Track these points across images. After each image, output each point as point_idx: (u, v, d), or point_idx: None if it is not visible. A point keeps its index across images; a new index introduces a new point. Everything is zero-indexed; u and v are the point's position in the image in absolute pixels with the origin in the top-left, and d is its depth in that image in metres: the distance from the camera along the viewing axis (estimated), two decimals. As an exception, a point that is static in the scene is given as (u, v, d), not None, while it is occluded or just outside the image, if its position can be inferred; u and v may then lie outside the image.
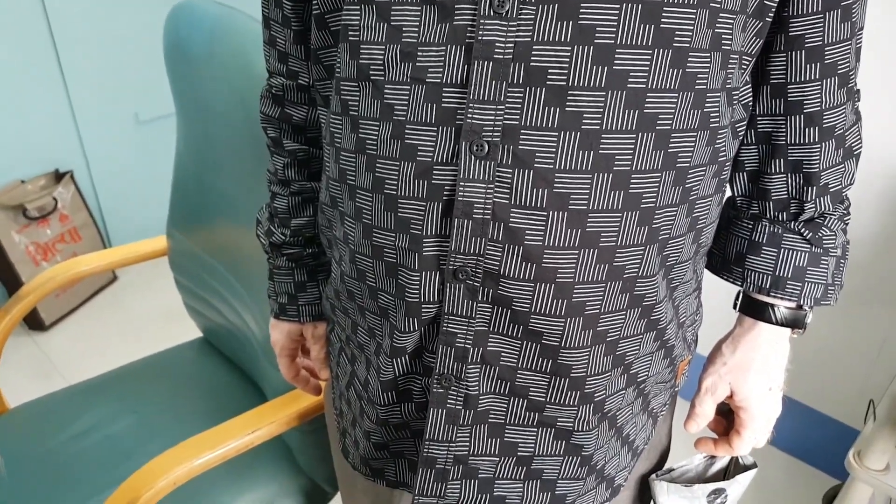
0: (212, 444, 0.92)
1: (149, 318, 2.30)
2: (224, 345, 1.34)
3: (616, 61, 0.49)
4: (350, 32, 0.56)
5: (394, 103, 0.54)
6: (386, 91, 0.54)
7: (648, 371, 0.65)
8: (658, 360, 0.65)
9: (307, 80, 0.72)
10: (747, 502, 1.70)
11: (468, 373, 0.59)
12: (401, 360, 0.62)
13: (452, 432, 0.62)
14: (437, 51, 0.51)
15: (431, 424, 0.61)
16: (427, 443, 0.62)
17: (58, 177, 2.33)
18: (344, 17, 0.56)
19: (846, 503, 1.30)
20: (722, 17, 0.51)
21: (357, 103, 0.57)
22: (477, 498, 0.66)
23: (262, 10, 0.72)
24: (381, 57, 0.54)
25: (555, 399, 0.60)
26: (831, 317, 1.65)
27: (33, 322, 2.24)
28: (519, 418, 0.62)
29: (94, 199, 2.49)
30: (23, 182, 2.24)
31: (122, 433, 1.17)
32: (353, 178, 0.59)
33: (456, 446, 0.62)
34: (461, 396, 0.60)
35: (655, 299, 0.59)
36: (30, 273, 2.20)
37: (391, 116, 0.54)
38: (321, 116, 0.66)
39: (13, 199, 2.19)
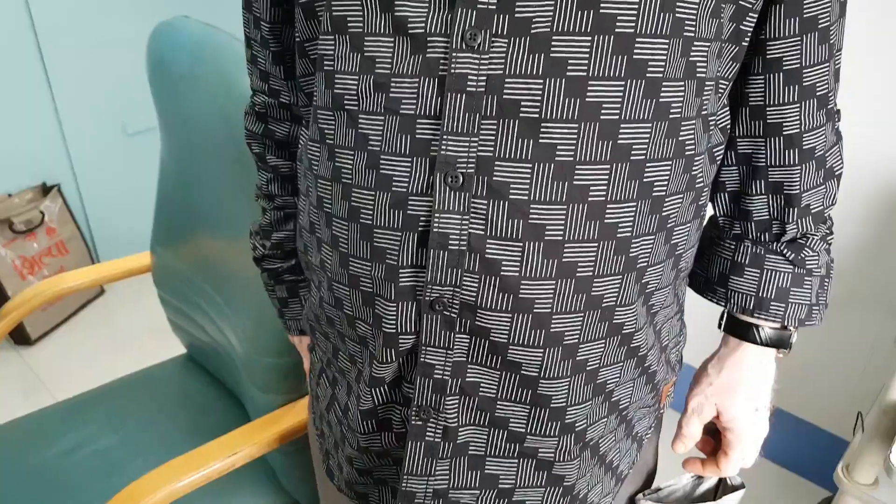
0: (193, 467, 0.91)
1: (135, 333, 2.29)
2: (208, 362, 1.33)
3: (589, 93, 0.49)
4: (325, 62, 0.56)
5: (368, 133, 0.54)
6: (360, 121, 0.54)
7: (630, 398, 0.64)
8: (640, 386, 0.65)
9: (288, 98, 0.72)
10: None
11: (447, 404, 0.58)
12: (380, 389, 0.61)
13: (431, 466, 0.61)
14: (410, 82, 0.51)
15: (410, 458, 0.61)
16: (406, 476, 0.61)
17: (45, 190, 2.32)
18: (320, 47, 0.56)
19: (836, 517, 1.29)
20: (696, 46, 0.51)
21: (333, 132, 0.56)
22: None
23: (244, 30, 0.72)
24: (355, 87, 0.54)
25: (535, 430, 0.59)
26: (819, 327, 1.64)
27: (19, 337, 2.22)
28: (499, 450, 0.61)
29: (82, 212, 2.47)
30: (10, 196, 2.23)
31: (107, 451, 1.17)
32: (330, 206, 0.58)
33: (435, 480, 0.62)
34: (440, 429, 0.59)
35: (635, 327, 0.59)
36: (16, 287, 2.18)
37: (366, 146, 0.54)
38: (300, 141, 0.66)
39: (0, 212, 2.17)
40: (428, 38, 0.50)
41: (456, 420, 0.59)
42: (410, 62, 0.51)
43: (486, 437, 0.60)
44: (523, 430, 0.59)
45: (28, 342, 2.23)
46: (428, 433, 0.59)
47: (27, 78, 2.18)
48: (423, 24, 0.50)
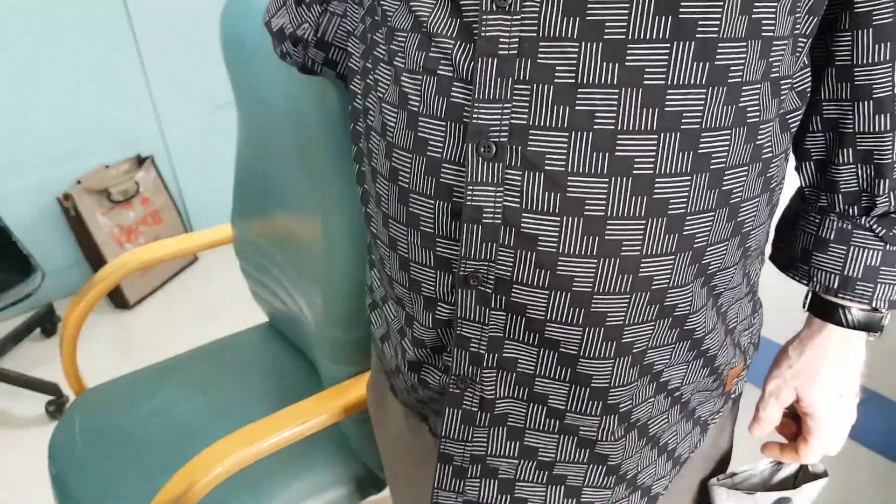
0: (264, 434, 0.93)
1: (224, 301, 2.38)
2: (288, 330, 1.37)
3: (629, 57, 0.46)
4: (387, 16, 0.55)
5: (409, 92, 0.53)
6: (403, 79, 0.53)
7: (683, 380, 0.61)
8: (696, 370, 0.62)
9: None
10: (836, 502, 1.62)
11: (484, 376, 0.57)
12: (422, 350, 0.61)
13: (468, 432, 0.60)
14: (447, 44, 0.50)
15: (447, 422, 0.60)
16: (443, 440, 0.61)
17: (139, 161, 2.43)
18: (384, 1, 0.56)
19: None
20: (758, 2, 0.46)
21: (386, 87, 0.56)
22: (498, 498, 0.64)
23: None
24: (404, 44, 0.53)
25: (576, 408, 0.58)
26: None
27: (119, 301, 2.35)
28: (539, 424, 0.60)
29: (175, 182, 2.58)
30: (107, 167, 2.35)
31: (189, 414, 1.22)
32: (376, 162, 0.58)
33: (472, 445, 0.61)
34: (476, 399, 0.58)
35: (690, 308, 0.55)
36: (115, 254, 2.31)
37: (406, 105, 0.53)
38: (355, 85, 0.64)
39: (98, 183, 2.29)
40: (461, 1, 0.48)
41: (493, 392, 0.58)
42: (449, 24, 0.49)
43: (524, 410, 0.59)
44: (563, 408, 0.58)
45: (127, 306, 2.36)
46: (465, 402, 0.59)
47: (121, 55, 2.28)
48: None
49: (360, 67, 0.61)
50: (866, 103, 0.56)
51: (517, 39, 0.47)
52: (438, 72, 0.50)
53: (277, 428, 0.94)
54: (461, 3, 0.48)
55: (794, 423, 0.71)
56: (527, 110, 0.48)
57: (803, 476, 0.73)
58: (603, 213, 0.49)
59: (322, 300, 1.01)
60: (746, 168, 0.51)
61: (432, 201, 0.53)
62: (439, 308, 0.56)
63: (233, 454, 0.90)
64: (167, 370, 1.35)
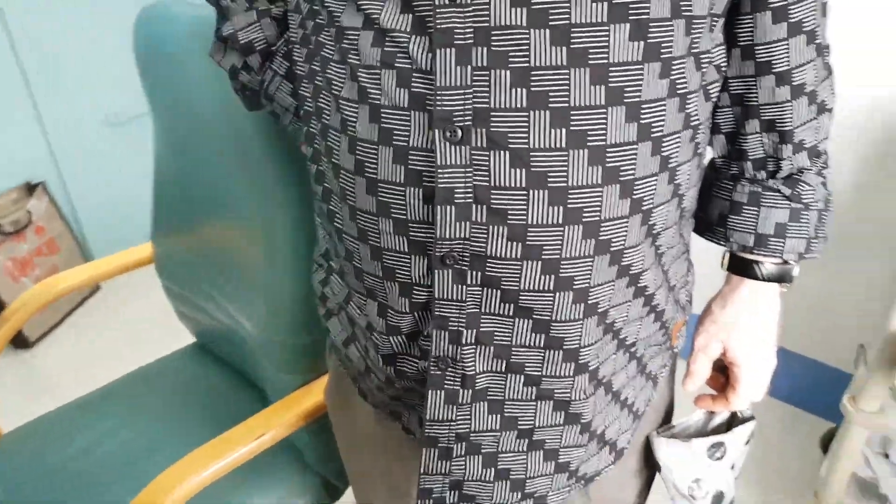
0: (218, 454, 0.91)
1: (136, 327, 2.28)
2: (220, 348, 1.33)
3: (573, 40, 0.50)
4: (334, 18, 0.57)
5: (367, 86, 0.54)
6: (360, 74, 0.55)
7: (638, 334, 0.66)
8: (648, 324, 0.66)
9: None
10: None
11: (464, 354, 0.59)
12: (397, 339, 0.62)
13: (452, 412, 0.62)
14: (403, 37, 0.52)
15: (431, 405, 0.62)
16: (428, 423, 0.63)
17: (30, 189, 2.28)
18: (328, 3, 0.57)
19: (843, 446, 1.33)
20: None
21: (341, 85, 0.57)
22: (482, 472, 0.66)
23: None
24: (357, 41, 0.55)
25: (551, 372, 0.61)
26: (819, 265, 1.66)
27: (17, 340, 2.20)
28: (518, 393, 0.62)
29: (70, 208, 2.44)
30: (-7, 198, 2.20)
31: (123, 448, 1.16)
32: (338, 158, 0.59)
33: (457, 425, 0.63)
34: (458, 377, 0.60)
35: (643, 267, 0.60)
36: (10, 289, 2.16)
37: (367, 99, 0.55)
38: (304, 89, 0.65)
39: (-15, 216, 2.14)
40: None
41: (473, 368, 0.60)
42: (401, 20, 0.52)
43: (503, 382, 0.62)
44: (539, 373, 0.61)
45: (27, 345, 2.22)
46: (447, 382, 0.61)
47: (2, 78, 2.13)
48: None
49: (307, 71, 0.62)
50: (768, 77, 0.62)
51: (471, 30, 0.50)
52: (396, 65, 0.53)
53: (230, 448, 0.92)
54: (413, 0, 0.51)
55: (722, 376, 0.77)
56: (487, 94, 0.51)
57: (734, 422, 0.80)
58: (565, 184, 0.52)
59: (266, 307, 1.00)
60: (680, 135, 0.57)
61: (402, 188, 0.55)
62: (415, 292, 0.58)
63: (189, 478, 0.87)
64: (91, 405, 1.27)
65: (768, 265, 0.68)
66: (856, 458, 1.35)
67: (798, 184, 0.66)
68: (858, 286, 1.67)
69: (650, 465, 0.79)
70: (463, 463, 0.65)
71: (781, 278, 0.69)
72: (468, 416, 0.63)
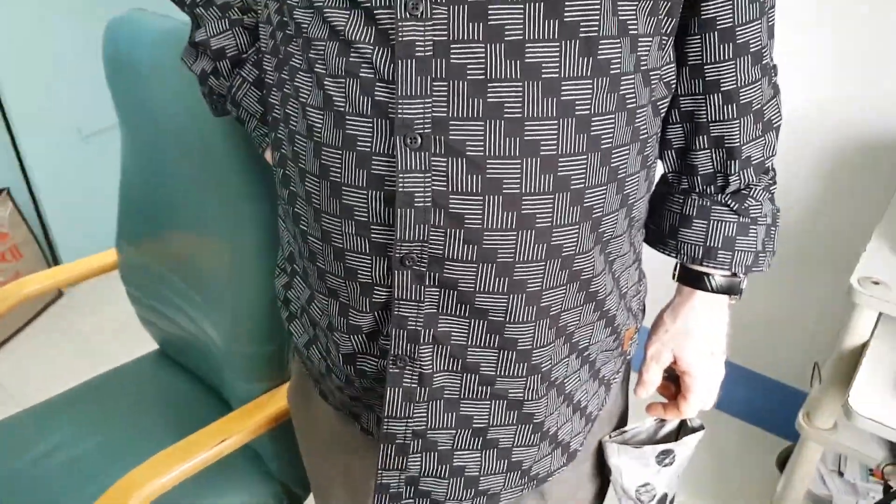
0: (181, 458, 0.91)
1: (100, 334, 2.25)
2: (183, 356, 1.32)
3: (527, 55, 0.52)
4: (302, 29, 0.59)
5: (333, 95, 0.57)
6: (326, 83, 0.57)
7: (590, 339, 0.68)
8: (600, 329, 0.69)
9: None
10: (703, 469, 1.76)
11: (421, 353, 0.61)
12: (358, 338, 0.64)
13: (409, 409, 0.64)
14: (366, 49, 0.54)
15: (389, 402, 0.63)
16: (386, 420, 0.64)
17: (-7, 194, 2.25)
18: (297, 16, 0.59)
19: (798, 463, 1.35)
20: (622, 5, 0.54)
21: (307, 93, 0.59)
22: (437, 469, 0.68)
23: None
24: (323, 51, 0.57)
25: (504, 372, 0.63)
26: (773, 282, 1.70)
27: (-23, 346, 2.16)
28: (472, 392, 0.64)
29: (36, 215, 2.41)
30: (-44, 202, 2.16)
31: (86, 454, 1.15)
32: (304, 162, 0.61)
33: (414, 422, 0.65)
34: (416, 375, 0.62)
35: (593, 273, 0.62)
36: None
37: (332, 107, 0.57)
38: (273, 97, 0.67)
39: (-53, 220, 2.10)
40: (375, 11, 0.53)
41: (430, 367, 0.62)
42: (365, 32, 0.54)
43: (459, 381, 0.63)
44: (493, 373, 0.63)
45: (-13, 351, 2.18)
46: (405, 380, 0.62)
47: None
48: None
49: (276, 79, 0.64)
50: (716, 95, 0.65)
51: (431, 42, 0.52)
52: (360, 74, 0.55)
53: (193, 451, 0.92)
54: (375, 13, 0.53)
55: (673, 385, 0.80)
56: (446, 104, 0.53)
57: (683, 430, 0.82)
58: (518, 191, 0.55)
59: (231, 317, 1.00)
60: (628, 147, 0.59)
61: (365, 192, 0.57)
62: (376, 292, 0.60)
63: (151, 481, 0.87)
64: (50, 411, 1.26)
65: (718, 277, 0.71)
66: (811, 476, 1.38)
67: (746, 199, 0.69)
68: (813, 303, 1.71)
69: (605, 470, 0.81)
70: (419, 459, 0.67)
71: (730, 290, 0.71)
72: (425, 414, 0.64)
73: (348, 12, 0.54)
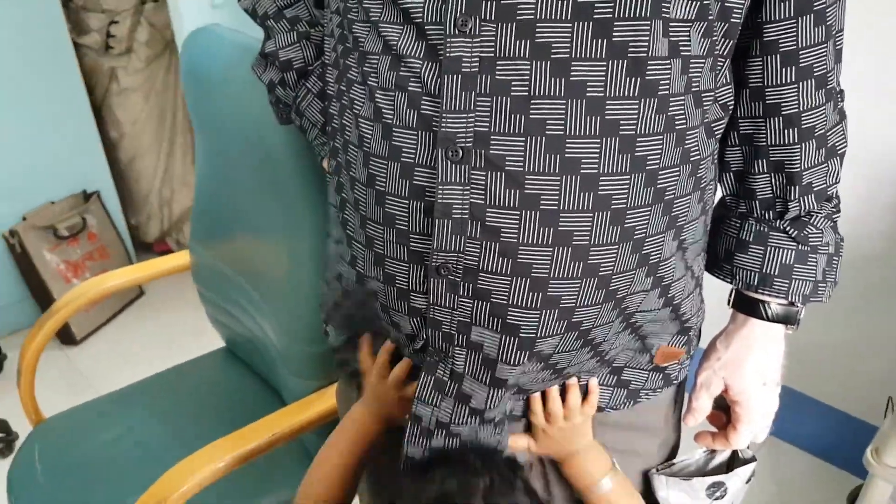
0: (233, 448, 0.96)
1: (175, 331, 2.36)
2: (246, 353, 1.38)
3: (573, 73, 0.53)
4: (359, 43, 0.61)
5: (383, 108, 0.58)
6: (377, 96, 0.59)
7: (625, 362, 0.68)
8: (634, 353, 0.69)
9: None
10: (771, 501, 1.70)
11: (456, 352, 0.62)
12: (396, 333, 0.66)
13: (438, 399, 0.65)
14: (416, 63, 0.56)
15: (421, 386, 0.65)
16: (416, 401, 0.66)
17: (86, 197, 2.41)
18: (355, 30, 0.61)
19: (866, 500, 1.29)
20: (674, 26, 0.54)
21: (361, 104, 0.61)
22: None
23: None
24: (377, 64, 0.59)
25: (530, 372, 0.63)
26: (849, 312, 1.64)
27: (65, 337, 2.31)
28: (499, 403, 0.65)
29: (122, 217, 2.56)
30: (52, 203, 2.32)
31: (150, 440, 1.22)
32: (355, 171, 0.63)
33: (440, 412, 0.65)
34: (448, 370, 0.63)
35: (630, 290, 0.61)
36: (61, 290, 2.27)
37: (381, 118, 0.59)
38: (332, 108, 0.69)
39: (44, 219, 2.26)
40: (425, 27, 0.55)
41: (462, 367, 0.63)
42: (416, 47, 0.56)
43: (486, 393, 0.64)
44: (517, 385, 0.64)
45: (74, 342, 2.32)
46: (439, 371, 0.64)
47: (66, 91, 2.27)
48: (421, 13, 0.54)
49: (336, 91, 0.67)
50: (777, 119, 0.63)
51: (478, 59, 0.53)
52: (409, 88, 0.56)
53: (246, 442, 0.97)
54: (426, 28, 0.55)
55: (724, 414, 0.77)
56: (488, 119, 0.54)
57: (734, 462, 0.79)
58: (556, 207, 0.55)
59: (288, 316, 1.05)
60: (678, 169, 0.58)
61: (406, 201, 0.58)
62: (412, 298, 0.62)
63: (204, 468, 0.92)
64: (125, 398, 1.35)
65: (774, 306, 0.68)
66: (880, 514, 1.32)
67: (806, 226, 0.67)
68: (891, 334, 1.64)
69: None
70: (443, 443, 0.68)
71: (787, 320, 0.69)
72: (450, 410, 0.65)
73: (401, 27, 0.56)
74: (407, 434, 0.67)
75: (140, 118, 2.43)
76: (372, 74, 0.59)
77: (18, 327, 2.31)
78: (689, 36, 0.55)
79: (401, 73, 0.57)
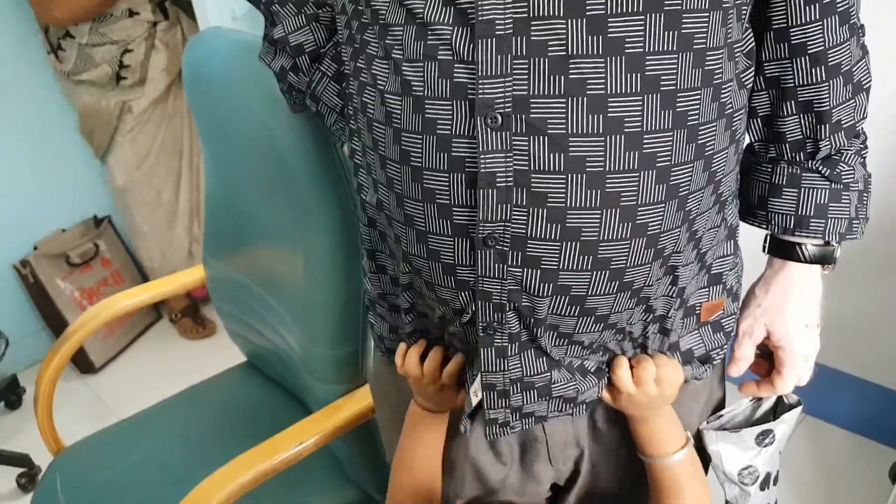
0: (260, 460, 0.94)
1: (194, 352, 2.35)
2: (267, 365, 1.36)
3: (610, 29, 0.51)
4: (380, 16, 0.59)
5: (411, 79, 0.57)
6: (404, 68, 0.57)
7: (663, 307, 0.67)
8: (684, 318, 0.69)
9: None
10: (812, 484, 1.66)
11: (508, 318, 0.62)
12: (444, 308, 0.66)
13: (504, 363, 0.65)
14: (444, 29, 0.54)
15: (485, 361, 0.65)
16: (484, 373, 0.66)
17: (97, 222, 2.40)
18: (373, 2, 0.60)
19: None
20: None
21: (385, 79, 0.60)
22: (536, 401, 0.69)
23: None
24: (401, 37, 0.57)
25: (582, 329, 0.64)
26: (882, 283, 1.61)
27: (84, 365, 2.29)
28: (553, 345, 0.66)
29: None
30: (63, 231, 2.32)
31: (174, 460, 1.20)
32: (384, 149, 0.62)
33: (510, 373, 0.66)
34: (505, 335, 0.63)
35: (675, 248, 0.61)
36: (77, 319, 2.26)
37: (410, 92, 0.57)
38: (350, 87, 0.68)
39: (55, 247, 2.26)
40: None
41: (517, 328, 0.63)
42: (444, 13, 0.54)
43: (539, 337, 0.64)
44: (571, 332, 0.64)
45: (92, 370, 2.31)
46: (496, 341, 0.64)
47: (71, 115, 2.26)
48: None
49: (353, 69, 0.65)
50: (803, 59, 0.63)
51: (511, 20, 0.52)
52: (439, 57, 0.55)
53: (271, 453, 0.95)
54: None
55: (766, 362, 0.76)
56: (526, 82, 0.53)
57: (780, 408, 0.80)
58: (602, 169, 0.54)
59: (308, 321, 1.02)
60: (715, 123, 0.57)
61: (446, 174, 0.57)
62: (459, 271, 0.61)
63: (232, 482, 0.90)
64: (146, 421, 1.33)
65: (810, 247, 0.69)
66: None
67: (837, 164, 0.67)
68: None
69: (704, 457, 0.78)
70: (520, 397, 0.68)
71: (824, 259, 0.69)
72: (518, 364, 0.66)
73: None
74: (485, 401, 0.67)
75: (153, 150, 2.20)
76: (396, 47, 0.58)
77: (36, 360, 2.29)
78: None
79: (429, 42, 0.55)
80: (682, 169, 0.56)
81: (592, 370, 0.69)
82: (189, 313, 2.46)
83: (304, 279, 1.01)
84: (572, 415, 0.72)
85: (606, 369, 0.70)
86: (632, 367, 0.69)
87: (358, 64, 0.63)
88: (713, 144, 0.58)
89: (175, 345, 2.44)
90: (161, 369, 2.31)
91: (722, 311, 0.72)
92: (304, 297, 1.03)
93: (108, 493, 1.15)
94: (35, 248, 2.23)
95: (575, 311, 0.61)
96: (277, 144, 0.94)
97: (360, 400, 1.02)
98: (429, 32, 0.55)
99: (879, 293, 1.63)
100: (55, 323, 2.25)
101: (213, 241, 1.29)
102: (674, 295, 0.66)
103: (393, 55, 0.58)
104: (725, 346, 0.74)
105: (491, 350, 0.64)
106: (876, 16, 0.84)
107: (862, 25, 0.64)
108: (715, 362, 0.74)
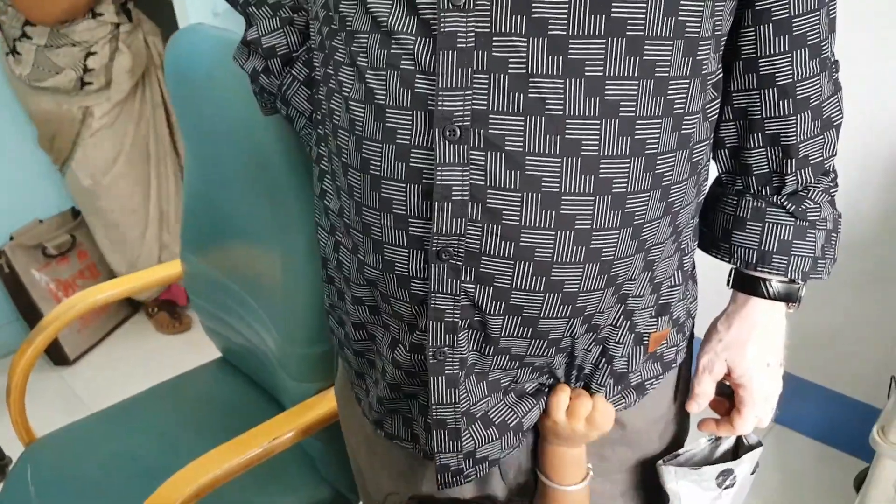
0: (233, 455, 0.94)
1: (170, 347, 2.34)
2: (242, 362, 1.36)
3: (570, 51, 0.51)
4: (346, 23, 0.59)
5: (374, 88, 0.57)
6: (367, 76, 0.57)
7: (616, 339, 0.67)
8: (626, 336, 0.68)
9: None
10: (776, 492, 1.69)
11: (459, 341, 0.61)
12: (396, 326, 0.65)
13: (455, 394, 0.64)
14: (408, 39, 0.54)
15: (435, 391, 0.63)
16: (434, 406, 0.64)
17: (74, 214, 2.38)
18: (341, 8, 0.59)
19: (874, 481, 1.28)
20: (684, 4, 0.52)
21: (350, 86, 0.59)
22: (485, 435, 0.67)
23: None
24: (366, 45, 0.57)
25: (533, 352, 0.63)
26: (847, 294, 1.64)
27: (58, 357, 2.27)
28: (501, 368, 0.65)
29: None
30: (41, 221, 2.30)
31: (147, 454, 1.20)
32: (346, 156, 0.61)
33: (460, 404, 0.64)
34: (456, 362, 0.62)
35: (629, 276, 0.61)
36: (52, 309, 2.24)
37: (373, 100, 0.57)
38: (320, 93, 0.68)
39: (32, 238, 2.23)
40: (418, 1, 0.53)
41: (466, 349, 0.62)
42: (407, 22, 0.54)
43: (490, 361, 0.63)
44: (523, 354, 0.63)
45: (67, 362, 2.29)
46: (447, 368, 0.62)
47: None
48: None
49: (322, 75, 0.65)
50: (771, 90, 0.62)
51: (473, 34, 0.52)
52: (401, 66, 0.55)
53: (246, 447, 0.95)
54: (417, 3, 0.53)
55: (727, 401, 0.75)
56: (486, 97, 0.53)
57: (740, 448, 0.78)
58: (557, 190, 0.54)
59: (284, 320, 1.03)
60: (674, 154, 0.57)
61: (403, 185, 0.57)
62: (412, 284, 0.60)
63: (204, 475, 0.90)
64: (119, 414, 1.32)
65: (775, 283, 0.67)
66: (888, 495, 1.31)
67: (803, 201, 0.66)
68: (890, 317, 1.63)
69: (660, 497, 0.77)
70: (470, 435, 0.66)
71: (788, 298, 0.68)
72: (466, 394, 0.64)
73: (391, 3, 0.54)
74: (435, 443, 0.66)
75: (120, 156, 2.14)
76: (361, 54, 0.58)
77: (8, 350, 2.27)
78: (699, 15, 0.53)
79: (392, 51, 0.55)
80: (639, 197, 0.56)
81: (531, 392, 0.68)
82: (165, 308, 2.45)
83: (281, 278, 1.02)
84: (519, 446, 0.70)
85: (546, 391, 0.69)
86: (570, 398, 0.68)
87: (327, 70, 0.63)
88: (671, 175, 0.58)
89: (151, 339, 2.42)
90: (136, 363, 2.30)
91: (665, 342, 0.72)
92: (281, 295, 1.03)
93: (79, 485, 1.15)
94: (11, 238, 2.21)
95: (527, 333, 0.61)
96: (258, 143, 0.95)
97: (334, 398, 1.03)
98: (392, 41, 0.55)
99: (847, 303, 1.66)
100: (30, 314, 2.23)
101: (190, 236, 1.29)
102: (621, 324, 0.65)
103: (358, 62, 0.58)
104: (661, 377, 0.73)
105: (441, 379, 0.62)
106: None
107: (836, 61, 0.64)
108: (647, 392, 0.72)
